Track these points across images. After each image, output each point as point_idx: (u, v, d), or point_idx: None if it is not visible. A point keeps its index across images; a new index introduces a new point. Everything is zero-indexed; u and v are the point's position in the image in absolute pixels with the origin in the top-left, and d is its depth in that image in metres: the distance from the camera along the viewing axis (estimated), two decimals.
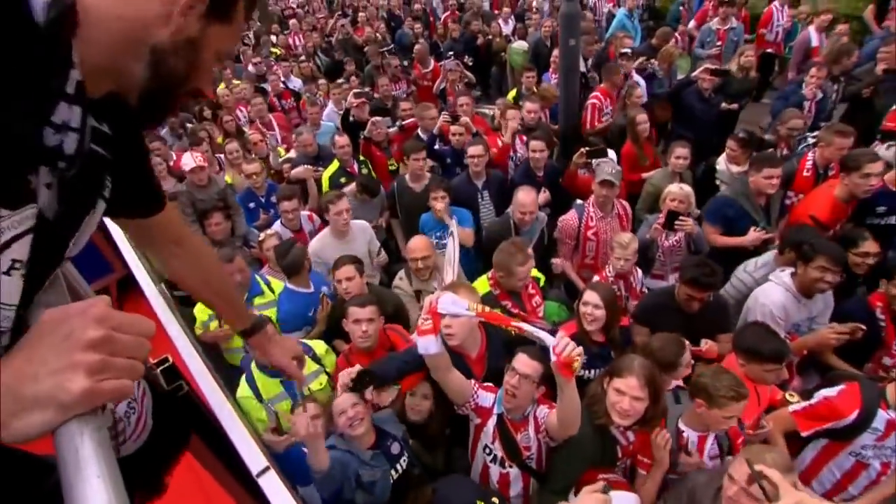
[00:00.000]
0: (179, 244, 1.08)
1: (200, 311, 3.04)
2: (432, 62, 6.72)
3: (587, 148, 3.96)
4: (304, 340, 2.83)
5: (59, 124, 0.54)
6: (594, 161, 3.84)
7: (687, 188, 3.34)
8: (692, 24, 6.94)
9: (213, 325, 3.01)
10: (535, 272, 3.00)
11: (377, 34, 8.42)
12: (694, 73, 4.85)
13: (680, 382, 2.38)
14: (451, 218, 3.53)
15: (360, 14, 9.82)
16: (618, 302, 2.63)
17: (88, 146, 0.61)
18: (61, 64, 0.53)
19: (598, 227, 3.42)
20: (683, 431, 2.17)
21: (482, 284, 2.90)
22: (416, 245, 3.14)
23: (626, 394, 1.95)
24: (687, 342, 2.44)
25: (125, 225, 1.01)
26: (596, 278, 3.16)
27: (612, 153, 4.00)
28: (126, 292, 3.73)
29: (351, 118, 4.96)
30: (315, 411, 2.03)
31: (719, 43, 6.09)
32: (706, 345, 2.70)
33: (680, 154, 3.82)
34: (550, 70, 5.66)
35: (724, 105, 4.73)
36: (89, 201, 0.69)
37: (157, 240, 1.06)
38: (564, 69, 4.63)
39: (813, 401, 2.24)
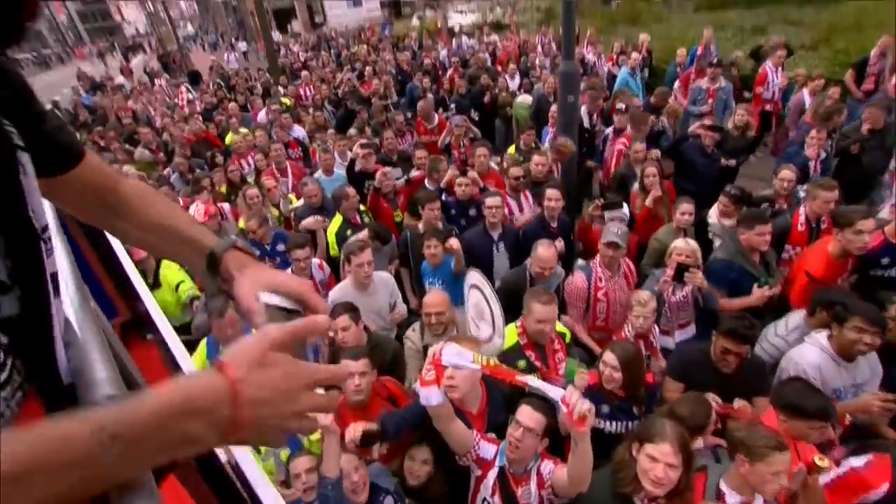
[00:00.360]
0: (118, 196, 0.84)
1: None
2: (436, 117, 6.82)
3: (602, 200, 4.00)
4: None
5: None
6: (607, 214, 3.89)
7: (693, 243, 3.35)
8: (677, 84, 7.29)
9: None
10: (560, 327, 2.94)
11: (384, 89, 8.66)
12: (691, 129, 5.01)
13: (721, 441, 2.29)
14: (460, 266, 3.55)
15: (367, 68, 10.21)
16: (639, 361, 2.56)
17: None
18: None
19: (607, 288, 3.38)
20: (726, 494, 2.02)
21: (511, 333, 2.86)
22: (433, 300, 3.08)
23: (659, 461, 1.85)
24: (715, 397, 2.40)
25: (54, 194, 0.79)
26: (615, 339, 3.07)
27: (625, 207, 4.03)
28: (129, 336, 3.82)
29: (356, 168, 5.05)
30: (309, 464, 2.05)
31: (710, 101, 6.37)
32: (739, 403, 2.57)
33: (685, 210, 3.83)
34: (549, 124, 5.88)
35: (723, 161, 4.86)
36: (6, 159, 0.59)
37: (87, 196, 0.82)
38: (563, 125, 4.86)
39: (840, 471, 2.11)
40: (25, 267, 0.58)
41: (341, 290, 3.46)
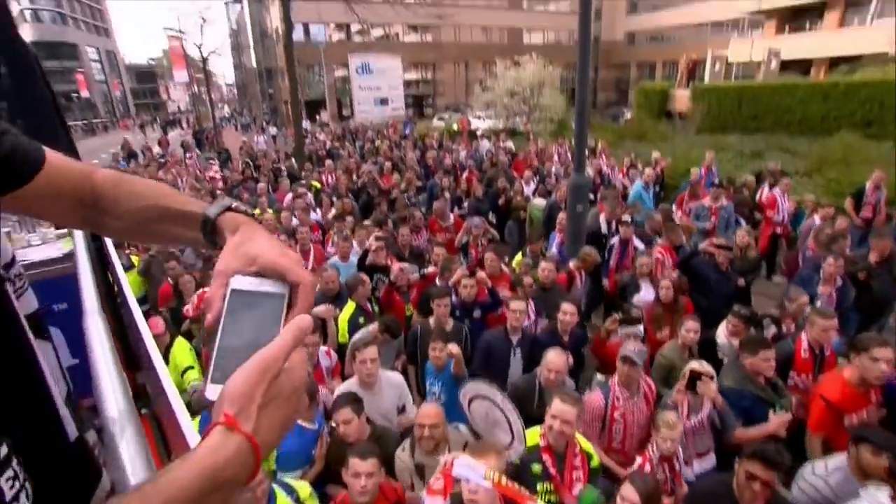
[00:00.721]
0: (96, 191, 0.76)
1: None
2: (452, 216, 6.96)
3: (620, 315, 3.94)
4: (288, 481, 2.68)
5: None
6: (621, 330, 3.83)
7: (707, 366, 3.24)
8: (673, 208, 7.65)
9: None
10: (587, 446, 2.83)
11: (407, 184, 8.90)
12: (702, 246, 5.09)
13: None
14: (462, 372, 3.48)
15: (387, 163, 10.69)
16: (659, 497, 2.40)
17: None
18: None
19: (625, 409, 3.23)
20: None
21: (532, 435, 2.76)
22: (426, 412, 2.86)
23: None
24: None
25: (25, 207, 0.73)
26: (639, 460, 2.92)
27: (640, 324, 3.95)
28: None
29: (368, 260, 5.07)
30: None
31: (713, 218, 6.64)
32: None
33: (691, 328, 3.75)
34: (557, 230, 6.08)
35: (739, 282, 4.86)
36: None
37: (64, 200, 0.74)
38: (571, 233, 5.05)
39: None
40: None
41: (346, 388, 3.31)
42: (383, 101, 26.56)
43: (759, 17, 28.49)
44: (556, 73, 21.08)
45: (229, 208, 0.70)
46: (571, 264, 5.02)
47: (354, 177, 9.95)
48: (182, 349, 3.85)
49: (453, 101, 35.45)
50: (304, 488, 2.67)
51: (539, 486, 2.54)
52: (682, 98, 21.93)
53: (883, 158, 10.30)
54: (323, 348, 3.80)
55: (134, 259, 5.53)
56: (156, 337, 3.68)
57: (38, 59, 2.10)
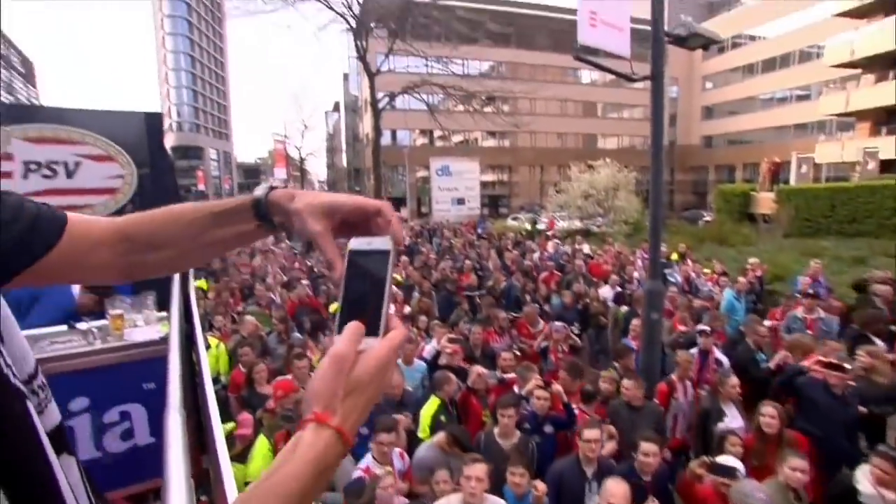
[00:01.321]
0: (122, 231, 0.75)
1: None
2: (542, 323, 6.60)
3: (710, 458, 3.32)
4: None
5: None
6: (726, 482, 3.11)
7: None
8: (767, 322, 7.06)
9: None
10: None
11: (493, 283, 8.82)
12: (807, 364, 4.42)
13: None
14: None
15: (467, 262, 10.66)
16: None
17: None
18: None
19: None
20: None
21: None
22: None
23: None
24: None
25: (67, 272, 0.73)
26: None
27: (739, 465, 3.31)
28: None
29: (441, 361, 4.93)
30: None
31: (809, 332, 6.11)
32: None
33: (798, 466, 3.07)
34: (630, 337, 5.93)
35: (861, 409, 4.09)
36: None
37: (100, 252, 0.73)
38: (646, 341, 4.96)
39: None
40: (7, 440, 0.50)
41: None
42: (460, 201, 28.04)
43: (849, 119, 27.69)
44: (630, 176, 21.45)
45: (272, 188, 0.72)
46: (674, 375, 4.64)
47: (433, 273, 10.17)
48: (263, 451, 3.73)
49: (528, 201, 36.69)
50: None
51: None
52: (765, 200, 21.22)
53: None
54: (397, 450, 3.69)
55: (211, 340, 5.63)
56: (241, 435, 3.93)
57: (173, 162, 2.64)
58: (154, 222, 0.77)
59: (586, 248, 13.36)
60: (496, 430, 3.90)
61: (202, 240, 0.76)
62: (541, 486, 3.32)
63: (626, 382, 4.25)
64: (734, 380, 4.32)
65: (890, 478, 2.99)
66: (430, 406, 4.22)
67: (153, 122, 3.48)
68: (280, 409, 3.97)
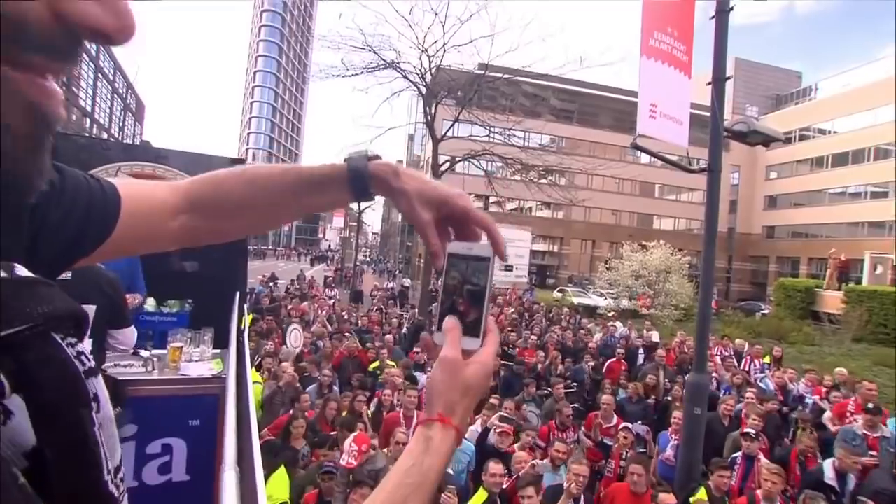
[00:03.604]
0: (195, 205, 0.72)
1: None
2: (616, 418, 5.74)
3: None
4: None
5: None
6: None
7: None
8: (827, 415, 6.54)
9: None
10: None
11: (550, 363, 8.40)
12: None
13: None
14: None
15: (532, 336, 10.00)
16: None
17: None
18: None
19: None
20: None
21: None
22: None
23: None
24: None
25: (138, 241, 0.72)
26: None
27: None
28: None
29: (489, 441, 4.70)
30: None
31: (872, 453, 5.56)
32: None
33: None
34: (670, 431, 5.59)
35: None
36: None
37: (177, 215, 0.71)
38: (687, 437, 4.74)
39: None
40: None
41: None
42: (508, 268, 28.13)
43: None
44: (684, 260, 20.95)
45: (370, 157, 0.70)
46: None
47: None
48: (281, 481, 3.83)
49: (577, 274, 36.28)
50: None
51: None
52: (831, 299, 20.01)
53: None
54: None
55: (254, 376, 5.52)
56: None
57: None
58: (224, 185, 0.74)
59: (655, 336, 12.05)
60: None
61: (287, 205, 0.75)
62: None
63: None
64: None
65: None
66: (477, 499, 3.93)
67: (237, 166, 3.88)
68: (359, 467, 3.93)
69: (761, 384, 8.13)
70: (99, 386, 0.41)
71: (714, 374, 8.25)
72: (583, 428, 5.81)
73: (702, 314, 5.26)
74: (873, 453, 5.64)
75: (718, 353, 9.94)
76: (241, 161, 3.87)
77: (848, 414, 6.53)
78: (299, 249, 66.76)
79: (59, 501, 0.36)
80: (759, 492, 4.26)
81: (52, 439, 0.36)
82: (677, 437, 5.19)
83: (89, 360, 0.40)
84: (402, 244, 44.68)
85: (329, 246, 72.02)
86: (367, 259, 59.63)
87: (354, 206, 38.13)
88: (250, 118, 77.02)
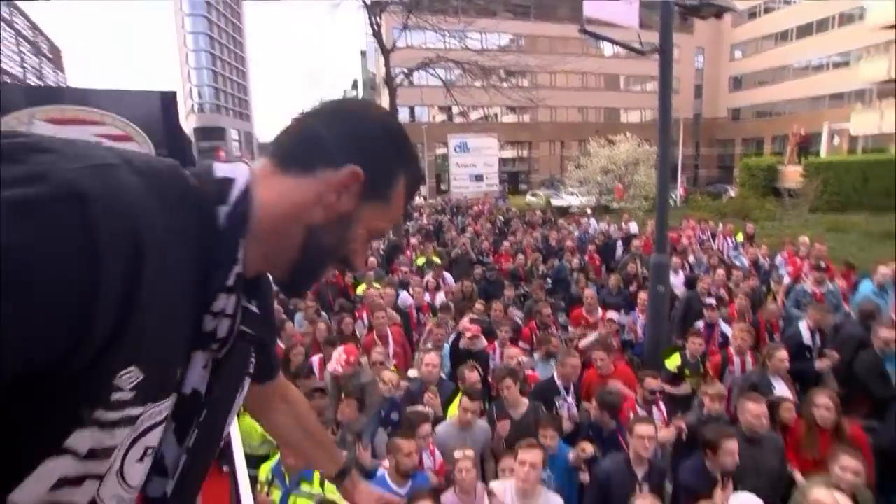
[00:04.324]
0: (286, 400, 1.09)
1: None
2: (600, 312, 5.74)
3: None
4: None
5: (216, 312, 0.62)
6: None
7: (843, 500, 2.49)
8: (787, 280, 7.04)
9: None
10: None
11: (531, 264, 8.39)
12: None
13: None
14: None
15: (505, 243, 10.06)
16: None
17: (239, 328, 0.67)
18: (229, 261, 0.61)
19: None
20: None
21: None
22: None
23: None
24: None
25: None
26: None
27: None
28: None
29: (461, 345, 4.70)
30: None
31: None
32: None
33: (849, 467, 2.71)
34: (637, 310, 5.92)
35: None
36: (239, 376, 0.74)
37: (268, 399, 1.06)
38: (652, 313, 5.03)
39: None
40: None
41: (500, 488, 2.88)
42: (478, 178, 27.96)
43: (891, 86, 26.20)
44: (651, 150, 21.04)
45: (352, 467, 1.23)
46: (730, 348, 4.51)
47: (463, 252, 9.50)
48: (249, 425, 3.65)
49: (548, 177, 36.29)
50: None
51: None
52: (791, 174, 20.62)
53: None
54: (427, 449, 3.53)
55: None
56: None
57: (191, 142, 2.78)
58: (299, 401, 1.15)
59: (634, 227, 11.99)
60: (506, 402, 3.78)
61: (301, 443, 1.16)
62: (588, 447, 3.32)
63: (711, 390, 3.77)
64: (783, 353, 4.09)
65: None
66: (457, 400, 3.91)
67: (168, 102, 3.54)
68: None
69: (736, 261, 8.65)
70: None
71: (691, 257, 8.65)
72: (570, 322, 5.97)
73: (661, 198, 5.38)
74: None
75: (697, 237, 10.43)
76: (171, 94, 3.60)
77: (803, 275, 7.06)
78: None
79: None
80: (731, 348, 4.59)
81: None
82: (643, 315, 5.52)
83: None
84: None
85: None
86: None
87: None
88: (187, 53, 70.92)
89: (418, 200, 25.72)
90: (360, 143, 0.67)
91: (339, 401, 3.88)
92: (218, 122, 68.19)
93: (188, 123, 59.18)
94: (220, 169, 0.64)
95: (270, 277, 0.75)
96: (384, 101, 34.78)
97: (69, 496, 0.52)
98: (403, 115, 30.23)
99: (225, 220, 0.60)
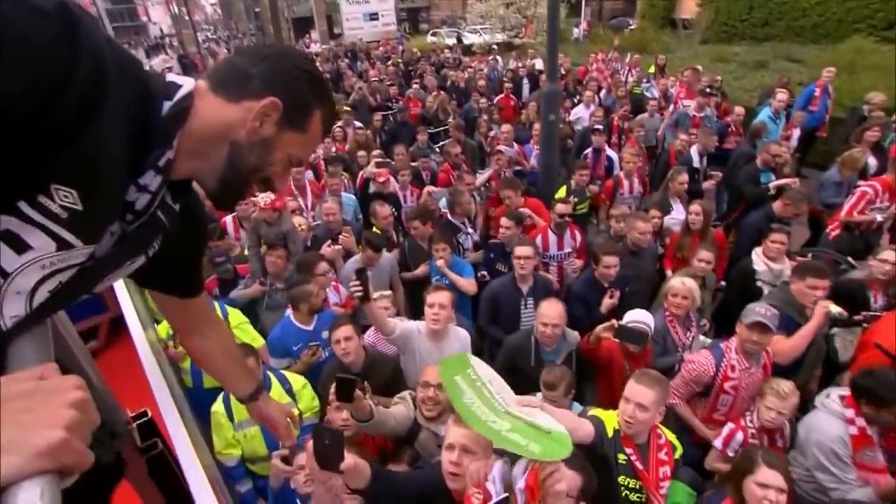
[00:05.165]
0: (212, 326, 1.20)
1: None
2: (516, 147, 6.11)
3: (619, 324, 2.83)
4: (284, 372, 2.86)
5: (141, 185, 0.71)
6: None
7: (690, 282, 3.08)
8: (671, 108, 7.56)
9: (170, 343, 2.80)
10: (672, 437, 2.30)
11: (439, 108, 8.20)
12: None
13: None
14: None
15: (414, 86, 9.84)
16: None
17: (154, 210, 0.77)
18: (164, 144, 0.71)
19: (740, 379, 2.68)
20: None
21: (611, 418, 2.26)
22: (433, 373, 2.34)
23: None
24: None
25: (162, 300, 1.08)
26: (728, 427, 2.60)
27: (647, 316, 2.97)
28: (117, 333, 3.83)
29: (371, 189, 4.81)
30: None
31: (693, 130, 6.47)
32: None
33: (703, 258, 3.52)
34: (532, 142, 6.09)
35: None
36: (135, 252, 0.82)
37: (193, 320, 1.16)
38: (544, 140, 5.15)
39: None
40: None
41: (408, 330, 2.90)
42: (373, 17, 25.14)
43: None
44: None
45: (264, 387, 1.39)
46: (619, 172, 5.01)
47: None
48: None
49: (450, 14, 33.55)
50: (297, 380, 2.80)
51: (621, 479, 2.18)
52: (688, 4, 20.66)
53: (890, 64, 9.49)
54: (331, 285, 3.71)
55: None
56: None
57: None
58: (220, 325, 1.29)
59: (539, 64, 11.81)
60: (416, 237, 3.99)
61: (223, 366, 1.29)
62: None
63: (640, 225, 3.88)
64: (684, 177, 4.61)
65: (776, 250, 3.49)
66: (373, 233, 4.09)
67: None
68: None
69: (647, 93, 8.96)
70: None
71: (603, 93, 8.98)
72: (490, 161, 6.09)
73: (551, 27, 5.20)
74: (693, 130, 6.56)
75: (609, 68, 10.98)
76: None
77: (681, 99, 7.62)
78: (122, 41, 53.78)
79: None
80: (620, 173, 5.06)
81: None
82: (537, 146, 5.66)
83: None
84: (249, 10, 37.47)
85: (161, 30, 58.75)
86: (215, 37, 50.20)
87: None
88: None
89: (313, 48, 23.09)
90: (281, 79, 0.80)
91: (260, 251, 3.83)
92: None
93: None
94: (171, 76, 0.75)
95: (202, 192, 0.87)
96: None
97: None
98: None
99: (168, 111, 0.71)
